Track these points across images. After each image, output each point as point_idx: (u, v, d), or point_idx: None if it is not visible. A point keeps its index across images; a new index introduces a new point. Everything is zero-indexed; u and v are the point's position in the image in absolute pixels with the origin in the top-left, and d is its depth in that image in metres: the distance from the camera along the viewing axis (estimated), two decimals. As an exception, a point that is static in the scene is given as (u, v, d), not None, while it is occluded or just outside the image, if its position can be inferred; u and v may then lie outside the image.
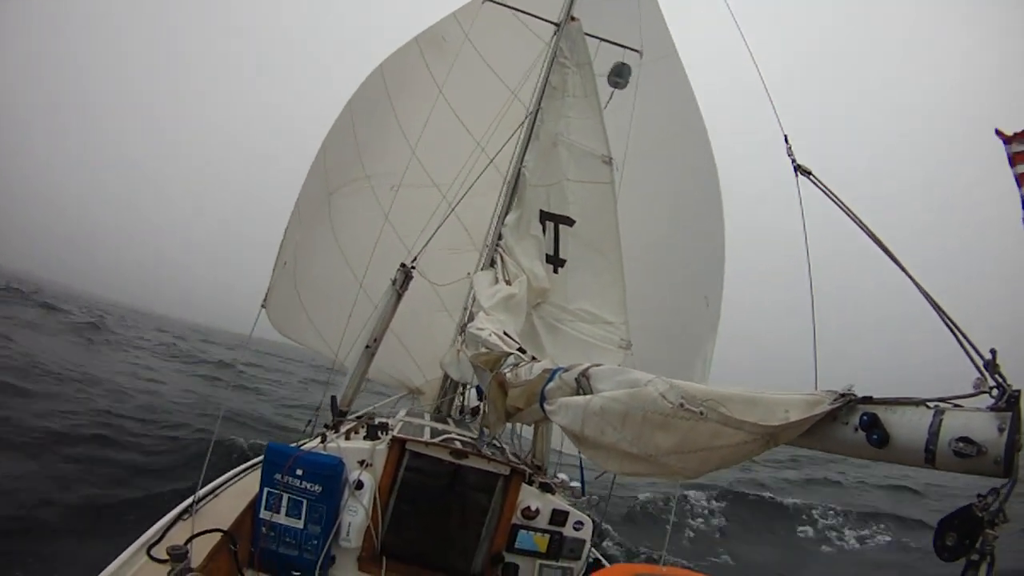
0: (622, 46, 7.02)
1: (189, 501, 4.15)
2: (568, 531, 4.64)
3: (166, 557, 3.24)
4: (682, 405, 1.96)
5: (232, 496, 4.58)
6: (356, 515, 4.20)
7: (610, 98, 6.42)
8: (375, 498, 4.31)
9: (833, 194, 2.96)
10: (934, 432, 1.56)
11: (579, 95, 6.14)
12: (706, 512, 15.26)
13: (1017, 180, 3.80)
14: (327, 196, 8.51)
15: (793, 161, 3.48)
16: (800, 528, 15.62)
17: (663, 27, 8.76)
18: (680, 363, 8.08)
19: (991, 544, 1.47)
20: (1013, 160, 3.97)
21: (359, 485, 4.24)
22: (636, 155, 6.73)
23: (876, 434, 1.65)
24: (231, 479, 4.97)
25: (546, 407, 2.76)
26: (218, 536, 3.79)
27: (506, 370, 3.43)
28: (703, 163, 8.56)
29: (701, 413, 1.92)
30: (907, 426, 1.62)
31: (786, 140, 3.69)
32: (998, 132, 4.04)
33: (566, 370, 2.71)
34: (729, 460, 1.93)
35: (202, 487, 4.48)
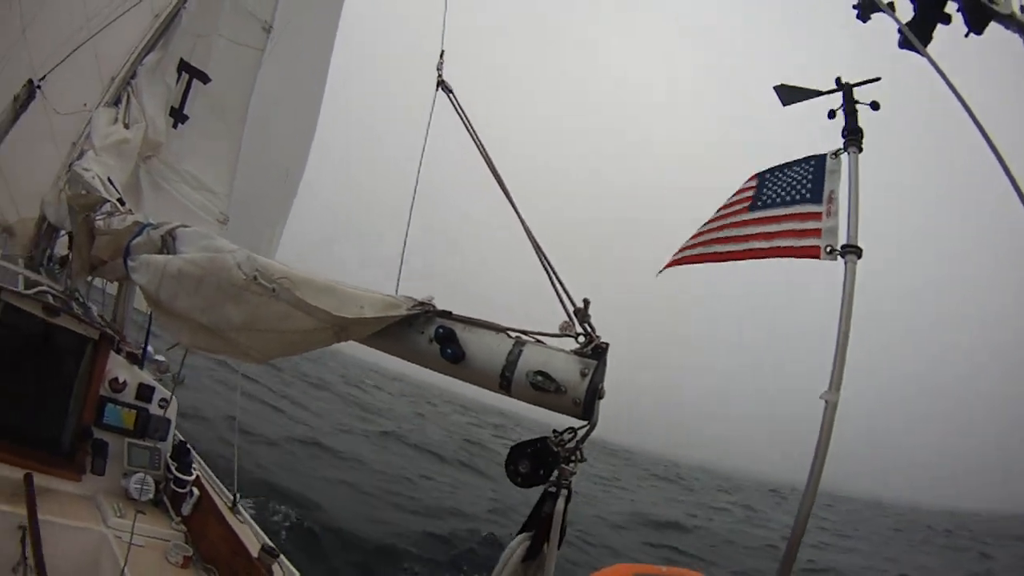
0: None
1: None
2: (154, 408, 4.43)
3: None
4: (255, 278, 1.90)
5: None
6: None
7: None
8: None
9: (465, 116, 3.22)
10: (512, 360, 1.61)
11: (262, -51, 5.60)
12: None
13: None
14: None
15: (439, 76, 3.65)
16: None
17: None
18: (254, 233, 7.72)
19: (567, 480, 1.54)
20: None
21: None
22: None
23: (451, 349, 1.69)
24: None
25: (129, 263, 2.62)
26: None
27: (99, 218, 3.17)
28: (325, 39, 8.18)
29: (273, 291, 1.86)
30: (485, 349, 1.67)
31: (441, 55, 3.83)
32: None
33: (155, 226, 2.59)
34: (298, 346, 1.91)
35: None
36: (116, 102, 4.87)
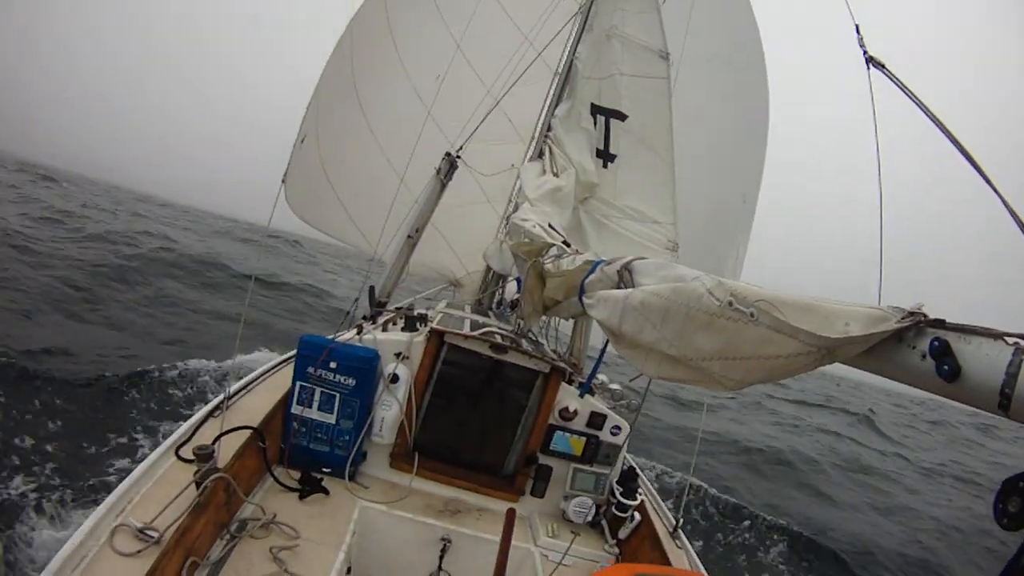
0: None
1: (220, 398, 4.05)
2: (605, 435, 4.53)
3: (193, 457, 3.13)
4: (731, 304, 1.78)
5: (264, 392, 4.49)
6: (390, 410, 4.15)
7: None
8: (410, 392, 4.23)
9: (909, 90, 2.72)
10: (1012, 373, 1.29)
11: (635, -13, 5.75)
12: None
13: None
14: (353, 85, 8.05)
15: (865, 52, 3.21)
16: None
17: None
18: (713, 258, 7.99)
19: None
20: None
21: (394, 379, 4.16)
22: (692, 51, 6.51)
23: (947, 365, 1.40)
24: (264, 374, 4.88)
25: (584, 300, 2.71)
26: (247, 434, 3.68)
27: (547, 261, 3.38)
28: (754, 61, 8.35)
29: (751, 315, 1.72)
30: (982, 361, 1.37)
31: (857, 30, 3.38)
32: None
33: (608, 263, 2.64)
34: (777, 373, 1.75)
35: (235, 383, 4.41)
36: (539, 155, 5.37)
